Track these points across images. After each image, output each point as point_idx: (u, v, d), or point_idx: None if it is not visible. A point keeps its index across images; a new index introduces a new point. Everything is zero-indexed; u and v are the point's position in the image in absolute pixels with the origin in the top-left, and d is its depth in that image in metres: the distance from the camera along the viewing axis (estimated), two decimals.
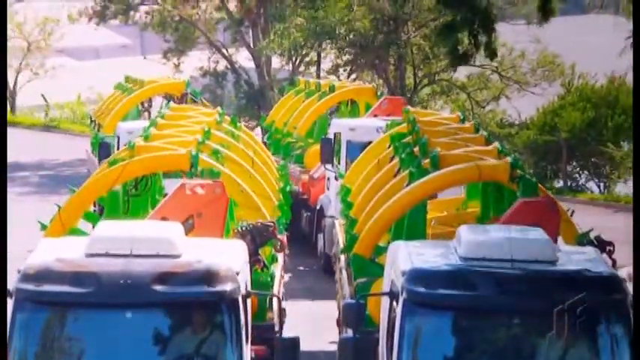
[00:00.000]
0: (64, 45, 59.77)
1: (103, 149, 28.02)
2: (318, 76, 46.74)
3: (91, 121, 39.53)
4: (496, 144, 20.06)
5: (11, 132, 53.62)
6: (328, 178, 29.18)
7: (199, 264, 13.24)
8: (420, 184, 17.94)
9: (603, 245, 16.96)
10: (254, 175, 20.54)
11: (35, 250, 14.00)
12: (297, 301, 24.55)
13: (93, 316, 12.98)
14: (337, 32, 46.58)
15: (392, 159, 21.02)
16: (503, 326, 13.26)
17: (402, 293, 13.34)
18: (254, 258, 16.63)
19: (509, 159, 18.24)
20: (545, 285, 13.17)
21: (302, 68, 50.55)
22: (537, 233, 14.49)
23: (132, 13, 50.98)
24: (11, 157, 45.57)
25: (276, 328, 16.04)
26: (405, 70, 47.20)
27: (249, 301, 13.94)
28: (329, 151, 28.71)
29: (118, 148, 26.50)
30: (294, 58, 50.21)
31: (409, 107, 26.09)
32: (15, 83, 56.38)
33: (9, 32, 56.70)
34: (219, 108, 25.78)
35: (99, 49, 73.16)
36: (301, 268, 28.74)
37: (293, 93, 37.12)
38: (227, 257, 13.85)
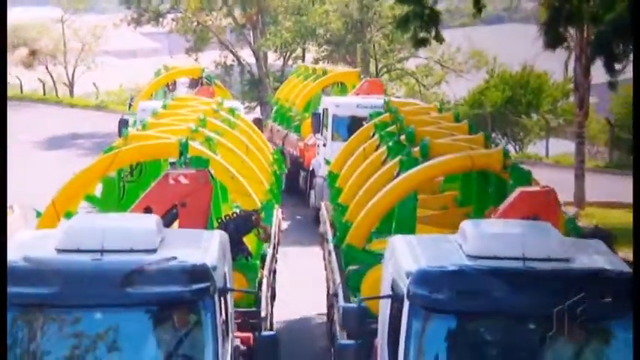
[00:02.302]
0: (109, 47, 58.66)
1: (121, 125, 25.17)
2: None
3: (130, 103, 39.32)
4: (482, 133, 16.73)
5: (70, 111, 53.09)
6: (318, 145, 27.74)
7: (173, 261, 9.72)
8: (413, 173, 14.08)
9: (603, 236, 12.27)
10: (246, 161, 16.68)
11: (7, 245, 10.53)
12: (294, 245, 23.28)
13: (59, 317, 9.50)
14: (317, 33, 46.23)
15: (377, 147, 17.27)
16: (520, 331, 9.59)
17: (407, 296, 9.69)
18: (238, 247, 13.08)
19: (501, 147, 14.67)
20: (565, 285, 9.47)
21: (290, 62, 49.69)
22: (548, 228, 10.67)
23: (161, 19, 50.28)
24: (71, 129, 45.24)
25: (263, 314, 13.06)
26: (369, 61, 46.39)
27: (230, 294, 10.67)
28: (318, 123, 27.45)
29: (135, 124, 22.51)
30: (284, 54, 49.58)
31: (390, 98, 23.64)
32: (73, 75, 55.56)
33: (68, 36, 56.01)
34: (218, 98, 22.55)
35: (136, 51, 72.74)
36: (298, 217, 27.56)
37: (295, 76, 35.67)
38: (204, 251, 10.32)
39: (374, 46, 46.58)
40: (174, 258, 9.80)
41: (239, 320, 11.83)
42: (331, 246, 16.21)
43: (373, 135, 18.31)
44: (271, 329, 14.44)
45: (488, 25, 62.71)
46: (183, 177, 13.00)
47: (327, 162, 22.40)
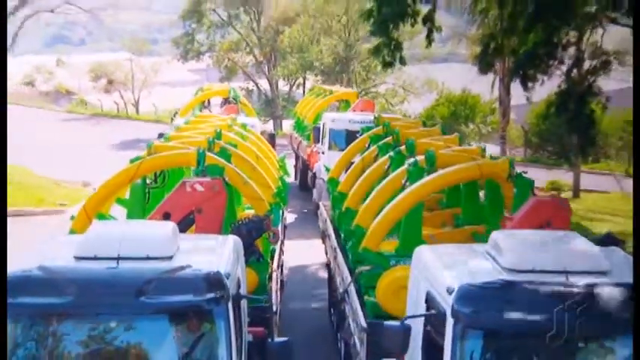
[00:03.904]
0: (164, 79, 57.98)
1: (159, 139, 22.47)
2: (304, 93, 44.24)
3: (172, 118, 37.61)
4: (478, 145, 13.84)
5: (136, 124, 50.66)
6: (319, 153, 25.47)
7: (187, 269, 7.25)
8: (425, 182, 11.08)
9: (616, 243, 8.93)
10: (257, 168, 13.92)
11: (27, 253, 7.81)
12: (301, 236, 21.17)
13: (74, 326, 7.01)
14: (314, 65, 45.28)
15: (376, 157, 14.23)
16: (572, 349, 6.63)
17: (452, 314, 6.82)
18: (250, 250, 10.67)
19: (508, 158, 11.64)
20: (617, 301, 6.68)
21: (294, 88, 48.80)
22: (581, 239, 7.65)
23: (201, 56, 50.10)
24: (136, 136, 43.38)
25: (275, 309, 10.60)
26: (352, 86, 44.65)
27: (243, 301, 7.98)
28: (318, 134, 25.31)
29: None
30: (290, 81, 48.70)
31: (381, 114, 20.68)
32: (138, 98, 54.60)
33: (135, 71, 54.85)
34: (232, 115, 19.73)
35: (183, 81, 73.25)
36: (305, 210, 25.27)
37: (309, 94, 33.27)
38: (218, 258, 7.74)
39: (355, 75, 45.62)
40: (189, 266, 7.28)
41: (250, 313, 9.08)
42: (335, 243, 13.18)
43: (368, 146, 15.39)
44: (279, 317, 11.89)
45: (437, 63, 65.11)
46: (199, 185, 10.55)
47: (327, 169, 18.96)
